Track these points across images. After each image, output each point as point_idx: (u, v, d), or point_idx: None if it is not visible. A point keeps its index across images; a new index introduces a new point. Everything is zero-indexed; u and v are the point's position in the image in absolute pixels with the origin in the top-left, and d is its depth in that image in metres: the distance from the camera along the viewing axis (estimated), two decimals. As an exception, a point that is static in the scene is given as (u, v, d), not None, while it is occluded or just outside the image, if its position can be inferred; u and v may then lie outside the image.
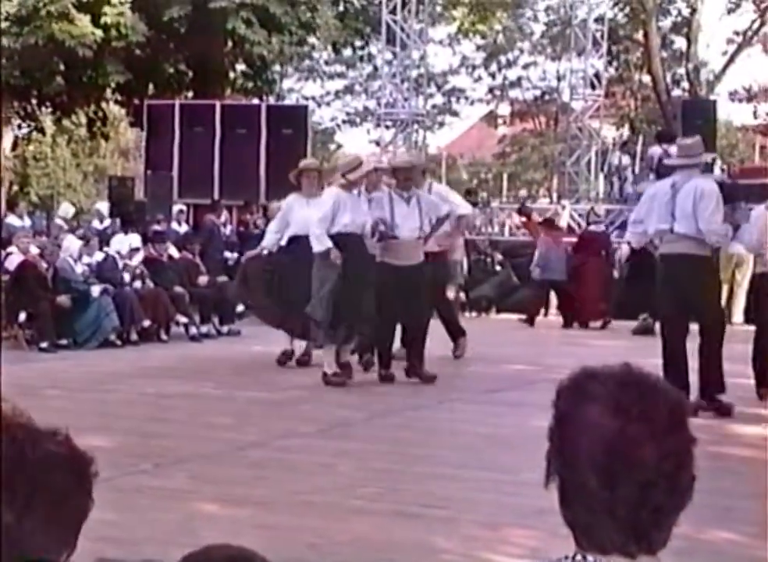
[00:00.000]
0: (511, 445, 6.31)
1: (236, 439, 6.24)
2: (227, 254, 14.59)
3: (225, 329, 12.52)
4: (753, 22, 30.81)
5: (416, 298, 8.38)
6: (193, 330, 12.11)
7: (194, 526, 4.44)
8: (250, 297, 9.99)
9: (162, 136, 17.61)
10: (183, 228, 15.30)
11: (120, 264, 12.09)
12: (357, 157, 9.34)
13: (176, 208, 15.69)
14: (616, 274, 14.62)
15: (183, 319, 12.12)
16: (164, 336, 11.93)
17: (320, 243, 8.30)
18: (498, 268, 16.33)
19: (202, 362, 10.00)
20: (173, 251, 12.95)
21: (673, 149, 16.46)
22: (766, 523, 4.55)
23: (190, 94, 23.22)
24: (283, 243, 9.43)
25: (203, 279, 12.58)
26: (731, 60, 31.24)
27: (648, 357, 7.03)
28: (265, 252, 9.55)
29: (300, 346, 9.49)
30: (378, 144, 23.42)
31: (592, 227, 14.90)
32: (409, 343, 8.75)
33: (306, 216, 8.91)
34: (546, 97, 32.53)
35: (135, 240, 12.75)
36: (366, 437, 6.50)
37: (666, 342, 7.22)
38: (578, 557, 1.41)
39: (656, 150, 16.78)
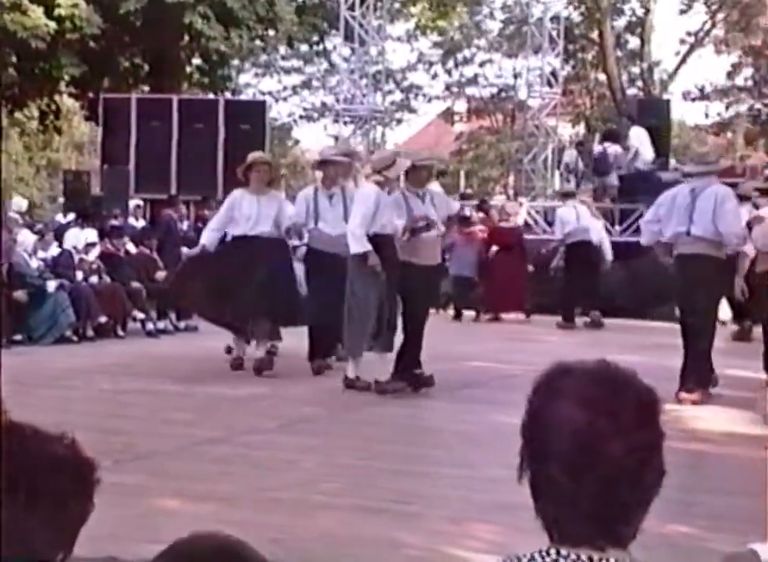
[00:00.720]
0: (475, 441, 6.34)
1: (196, 434, 6.21)
2: (184, 249, 14.49)
3: (182, 324, 12.46)
4: (704, 23, 31.23)
5: (437, 299, 8.34)
6: (150, 326, 12.03)
7: (156, 522, 4.41)
8: (187, 298, 9.38)
9: (119, 131, 17.43)
10: (140, 223, 15.17)
11: (76, 260, 11.97)
12: (393, 153, 8.97)
13: (132, 202, 15.55)
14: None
15: (140, 315, 12.04)
16: (120, 332, 11.84)
17: (360, 245, 7.74)
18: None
19: (160, 358, 9.93)
20: (130, 247, 12.85)
21: (612, 148, 16.83)
22: (722, 517, 4.63)
23: (146, 88, 23.05)
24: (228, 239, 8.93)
25: (160, 275, 12.49)
26: (684, 60, 31.64)
27: (597, 349, 7.16)
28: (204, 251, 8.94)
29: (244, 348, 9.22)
30: (336, 139, 23.41)
31: (503, 223, 15.28)
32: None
33: (258, 214, 8.61)
34: (503, 94, 32.67)
35: (91, 234, 12.63)
36: (329, 433, 6.49)
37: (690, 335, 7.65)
38: (552, 551, 1.42)
39: (615, 148, 16.98)
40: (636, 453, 1.39)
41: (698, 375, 7.46)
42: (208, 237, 8.93)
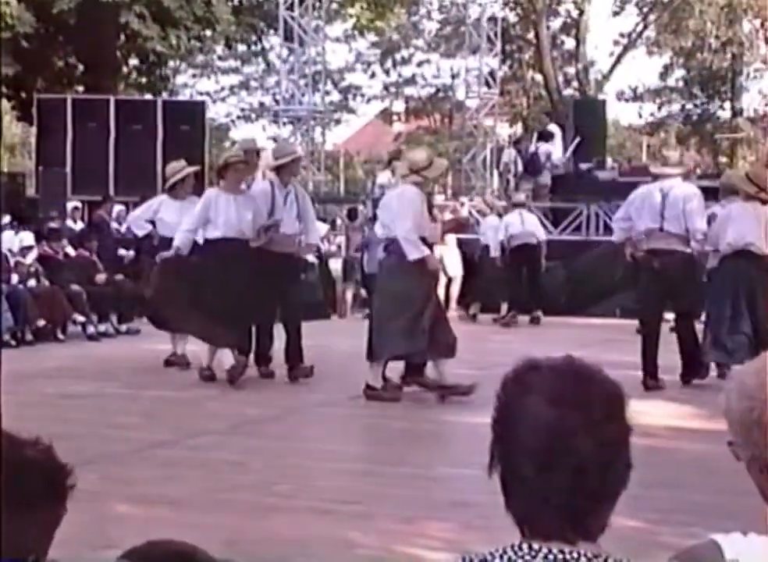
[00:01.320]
0: (423, 440, 6.38)
1: (144, 438, 6.16)
2: (122, 251, 14.35)
3: (124, 327, 12.32)
4: (637, 25, 31.72)
5: None
6: (91, 329, 11.87)
7: (106, 527, 4.37)
8: (166, 307, 8.70)
9: (54, 132, 17.17)
10: (79, 225, 14.96)
11: (12, 263, 11.78)
12: (430, 153, 8.71)
13: (70, 204, 15.32)
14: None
15: (81, 318, 11.88)
16: (60, 336, 11.67)
17: (418, 250, 7.38)
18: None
19: (103, 361, 9.81)
20: (69, 249, 12.68)
21: (544, 148, 17.13)
22: (669, 510, 4.72)
23: (81, 88, 22.75)
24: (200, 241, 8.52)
25: (101, 277, 12.35)
26: (618, 61, 32.10)
27: (544, 346, 7.21)
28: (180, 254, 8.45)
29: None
30: (275, 140, 23.33)
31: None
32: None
33: (239, 216, 8.26)
34: (441, 94, 32.84)
35: (27, 237, 12.42)
36: (277, 434, 6.48)
37: (645, 324, 8.44)
38: (524, 546, 1.44)
39: (547, 148, 17.22)
40: (605, 447, 1.41)
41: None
42: (182, 239, 8.38)
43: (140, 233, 9.87)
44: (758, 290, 8.03)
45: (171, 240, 8.58)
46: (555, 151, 17.35)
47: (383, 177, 18.17)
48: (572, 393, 1.43)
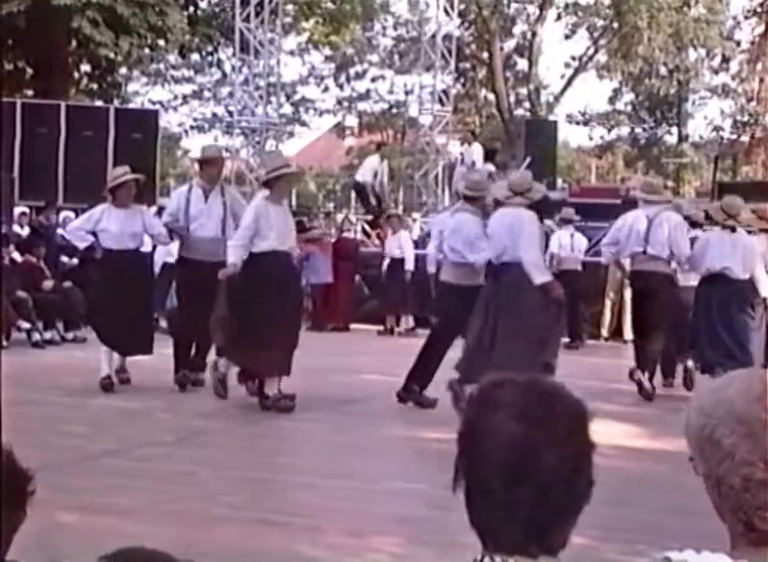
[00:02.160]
0: (370, 454, 6.39)
1: (92, 447, 6.10)
2: (64, 258, 14.23)
3: (70, 335, 12.16)
4: (588, 49, 32.19)
5: None
6: (36, 336, 11.71)
7: (53, 537, 4.32)
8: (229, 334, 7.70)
9: (2, 136, 16.93)
10: (26, 230, 14.78)
11: (-44, 268, 11.60)
12: (529, 175, 8.60)
13: (17, 210, 15.15)
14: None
15: (26, 325, 11.72)
16: (4, 342, 11.48)
17: (543, 275, 7.44)
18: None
19: (48, 369, 9.69)
20: (15, 255, 12.51)
21: (485, 167, 17.38)
22: (614, 528, 4.79)
23: (30, 92, 22.50)
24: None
25: (47, 284, 12.20)
26: (569, 83, 32.52)
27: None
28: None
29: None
30: (227, 151, 23.24)
31: (345, 234, 16.01)
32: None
33: (288, 228, 7.95)
34: (394, 110, 32.96)
35: (-28, 242, 12.25)
36: (225, 445, 6.47)
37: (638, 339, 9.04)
38: (486, 559, 1.46)
39: (487, 167, 17.41)
40: (569, 462, 1.45)
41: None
42: (237, 254, 7.75)
43: (81, 245, 9.47)
44: (732, 310, 8.75)
45: (117, 251, 8.51)
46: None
47: (373, 161, 18.39)
48: (536, 408, 1.46)
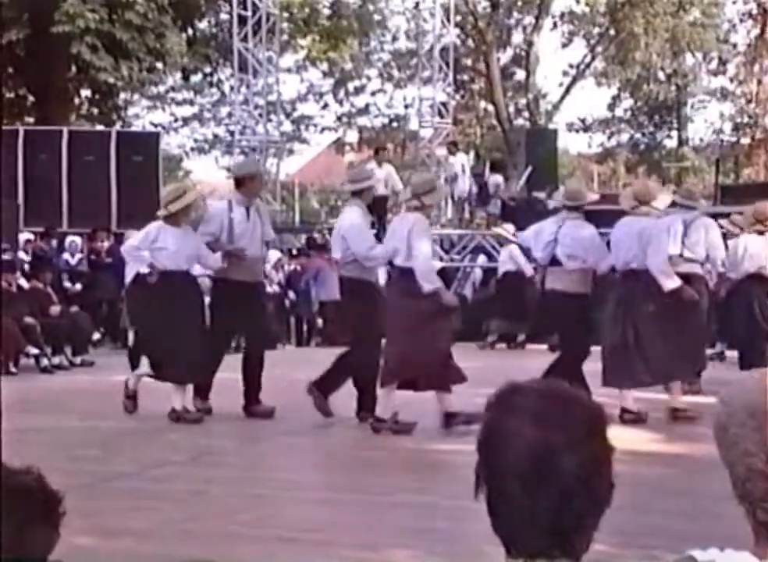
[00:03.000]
0: (383, 467, 6.38)
1: (104, 470, 6.09)
2: (67, 283, 14.29)
3: (78, 360, 12.21)
4: (585, 56, 32.28)
5: None
6: (44, 362, 11.74)
7: (71, 561, 4.33)
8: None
9: (5, 163, 17.00)
10: (28, 257, 14.84)
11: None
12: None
13: (22, 237, 15.21)
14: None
15: (34, 350, 11.75)
16: (13, 368, 11.52)
17: (673, 281, 7.76)
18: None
19: (58, 394, 9.71)
20: (22, 281, 12.56)
21: (493, 178, 17.41)
22: (631, 534, 4.77)
23: (31, 119, 22.60)
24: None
25: (55, 309, 12.24)
26: (567, 92, 32.59)
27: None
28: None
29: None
30: (229, 170, 23.32)
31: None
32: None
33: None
34: (394, 124, 33.03)
35: (-20, 269, 12.29)
36: (238, 464, 6.46)
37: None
38: None
39: (496, 178, 17.43)
40: (588, 466, 1.44)
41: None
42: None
43: (142, 269, 8.12)
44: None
45: (171, 272, 7.95)
46: (461, 180, 17.71)
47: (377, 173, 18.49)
48: (555, 413, 1.46)
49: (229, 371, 8.11)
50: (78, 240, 15.58)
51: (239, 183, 8.39)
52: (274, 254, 15.46)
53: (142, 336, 8.51)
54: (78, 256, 15.33)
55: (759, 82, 31.51)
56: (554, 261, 8.06)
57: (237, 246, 8.10)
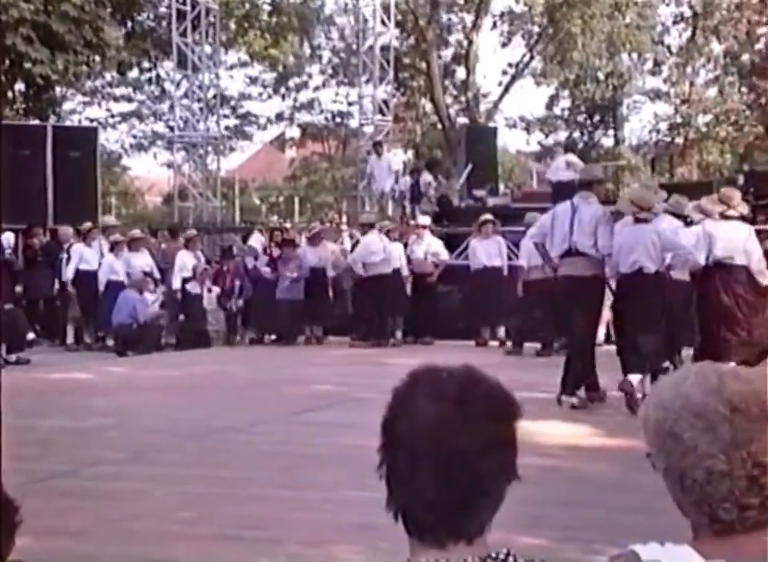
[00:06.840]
0: (325, 464, 6.36)
1: (42, 469, 5.98)
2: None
3: (12, 357, 11.99)
4: (524, 56, 32.55)
5: None
6: (-22, 360, 11.52)
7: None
8: None
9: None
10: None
11: None
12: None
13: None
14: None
15: (-33, 348, 11.53)
16: (-54, 367, 11.28)
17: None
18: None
19: (-7, 392, 9.51)
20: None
21: (423, 177, 17.49)
22: (571, 528, 4.82)
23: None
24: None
25: (-8, 306, 12.02)
26: (506, 90, 32.83)
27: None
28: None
29: None
30: (170, 167, 23.09)
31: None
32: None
33: None
34: (337, 120, 33.00)
35: None
36: (178, 461, 6.39)
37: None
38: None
39: (426, 177, 17.50)
40: (480, 448, 1.43)
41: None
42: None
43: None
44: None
45: None
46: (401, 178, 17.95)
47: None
48: (456, 390, 1.45)
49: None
50: (12, 236, 15.30)
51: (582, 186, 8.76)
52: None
53: None
54: (8, 252, 15.03)
55: (692, 83, 32.05)
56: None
57: None
